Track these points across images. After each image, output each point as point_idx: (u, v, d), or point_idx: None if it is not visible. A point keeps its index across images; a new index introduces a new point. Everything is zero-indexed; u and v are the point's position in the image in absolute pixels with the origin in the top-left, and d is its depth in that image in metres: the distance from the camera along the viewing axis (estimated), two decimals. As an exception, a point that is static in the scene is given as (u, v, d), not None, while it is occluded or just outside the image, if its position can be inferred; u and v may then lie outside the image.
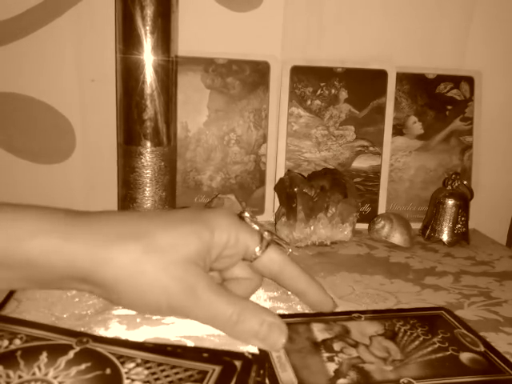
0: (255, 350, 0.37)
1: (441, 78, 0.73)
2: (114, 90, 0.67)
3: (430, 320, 0.42)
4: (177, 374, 0.28)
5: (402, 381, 0.33)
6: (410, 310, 0.45)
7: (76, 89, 0.70)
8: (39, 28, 0.67)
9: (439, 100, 0.73)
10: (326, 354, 0.36)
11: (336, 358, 0.36)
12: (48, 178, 0.73)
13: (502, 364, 0.36)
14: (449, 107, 0.73)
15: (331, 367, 0.34)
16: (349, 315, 0.42)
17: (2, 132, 0.71)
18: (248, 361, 0.30)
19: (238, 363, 0.29)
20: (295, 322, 0.40)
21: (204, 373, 0.28)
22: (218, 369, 0.28)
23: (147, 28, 0.55)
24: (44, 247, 0.31)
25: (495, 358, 0.37)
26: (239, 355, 0.30)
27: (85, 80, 0.70)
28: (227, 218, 0.37)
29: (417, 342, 0.38)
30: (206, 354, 0.30)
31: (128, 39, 0.56)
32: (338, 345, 0.37)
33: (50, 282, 0.34)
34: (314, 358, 0.35)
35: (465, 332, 0.40)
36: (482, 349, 0.38)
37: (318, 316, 0.42)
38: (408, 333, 0.39)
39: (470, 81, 0.73)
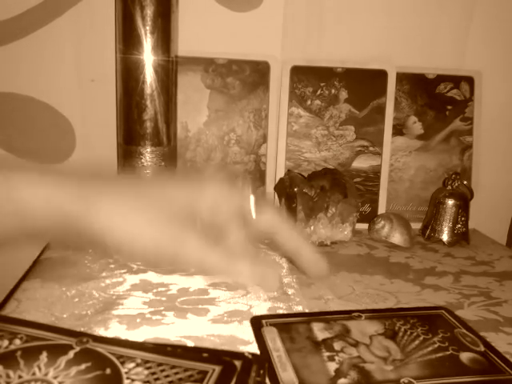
0: (255, 350, 0.37)
1: (441, 78, 0.73)
2: (114, 90, 0.67)
3: (430, 319, 0.42)
4: (177, 374, 0.28)
5: (402, 380, 0.33)
6: (410, 309, 0.45)
7: (76, 89, 0.70)
8: (39, 28, 0.67)
9: (439, 100, 0.73)
10: (326, 354, 0.36)
11: (336, 358, 0.36)
12: (48, 178, 0.73)
13: (502, 364, 0.36)
14: (449, 107, 0.73)
15: (332, 367, 0.35)
16: (349, 314, 0.42)
17: (1, 132, 0.71)
18: (248, 361, 0.30)
19: (237, 363, 0.29)
20: (295, 322, 0.40)
21: (204, 373, 0.28)
22: (217, 369, 0.28)
23: (147, 28, 0.55)
24: (35, 196, 0.32)
25: (495, 358, 0.37)
26: (239, 355, 0.30)
27: (85, 80, 0.70)
28: (219, 182, 0.37)
29: (417, 342, 0.38)
30: (205, 354, 0.30)
31: (128, 39, 0.56)
32: (339, 344, 0.37)
33: (40, 229, 0.35)
34: (315, 358, 0.35)
35: (465, 332, 0.40)
36: (482, 348, 0.38)
37: (318, 315, 0.42)
38: (408, 332, 0.40)
39: (470, 81, 0.73)
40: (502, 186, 0.80)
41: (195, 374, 0.28)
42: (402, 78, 0.72)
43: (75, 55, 0.69)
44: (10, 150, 0.71)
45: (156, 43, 0.56)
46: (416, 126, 0.73)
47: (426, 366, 0.35)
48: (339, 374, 0.34)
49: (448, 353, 0.37)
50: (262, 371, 0.30)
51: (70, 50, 0.69)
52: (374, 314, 0.42)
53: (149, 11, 0.55)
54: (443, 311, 0.44)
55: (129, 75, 0.57)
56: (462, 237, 0.66)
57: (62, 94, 0.70)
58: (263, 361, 0.31)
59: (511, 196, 0.81)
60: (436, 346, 0.38)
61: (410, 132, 0.73)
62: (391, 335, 0.39)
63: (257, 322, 0.41)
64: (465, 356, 0.37)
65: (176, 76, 0.60)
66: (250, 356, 0.30)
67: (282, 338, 0.38)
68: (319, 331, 0.39)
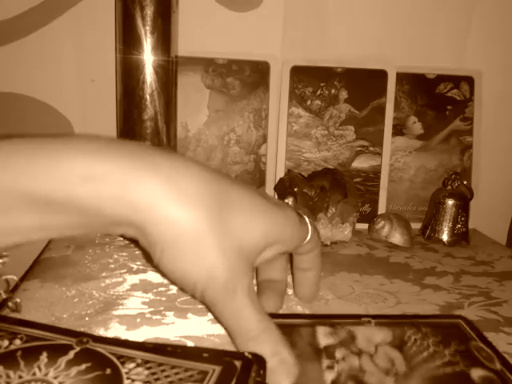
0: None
1: (441, 78, 0.73)
2: (114, 90, 0.67)
3: (445, 329, 0.39)
4: (177, 374, 0.28)
5: None
6: (424, 316, 0.42)
7: (76, 89, 0.70)
8: (39, 28, 0.67)
9: (439, 100, 0.73)
10: (326, 362, 0.35)
11: (336, 367, 0.34)
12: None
13: None
14: (449, 107, 0.73)
15: (329, 376, 0.33)
16: (358, 319, 0.40)
17: (1, 132, 0.71)
18: (248, 361, 0.30)
19: (237, 363, 0.29)
20: (299, 324, 0.39)
21: (204, 373, 0.28)
22: (218, 369, 0.28)
23: (147, 28, 0.55)
24: (98, 193, 0.28)
25: None
26: (239, 355, 0.30)
27: (85, 80, 0.70)
28: (293, 216, 0.34)
29: (425, 354, 0.36)
30: (206, 354, 0.30)
31: (128, 39, 0.56)
32: (341, 352, 0.36)
33: (98, 228, 0.31)
34: (314, 365, 0.34)
35: (481, 345, 0.37)
36: (499, 367, 0.35)
37: (324, 318, 0.40)
38: (418, 342, 0.37)
39: (470, 81, 0.73)
40: (502, 186, 0.80)
41: (195, 374, 0.28)
42: (402, 77, 0.72)
43: (75, 55, 0.69)
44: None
45: (156, 43, 0.56)
46: (416, 126, 0.73)
47: (429, 382, 0.33)
48: None
49: (458, 369, 0.34)
50: (261, 371, 0.30)
51: (70, 50, 0.69)
52: (385, 321, 0.40)
53: (149, 11, 0.55)
54: (461, 321, 0.41)
55: (129, 75, 0.57)
56: (461, 237, 0.66)
57: (62, 94, 0.70)
58: (263, 361, 0.31)
59: (511, 196, 0.81)
60: (446, 359, 0.35)
61: (410, 132, 0.73)
62: (399, 344, 0.37)
63: None
64: (477, 373, 0.34)
65: (176, 76, 0.60)
66: (249, 356, 0.30)
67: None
68: (323, 336, 0.37)
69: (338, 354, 0.35)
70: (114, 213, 0.28)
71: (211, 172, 0.31)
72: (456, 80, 0.73)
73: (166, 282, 0.50)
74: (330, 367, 0.34)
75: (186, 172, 0.29)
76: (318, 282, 0.43)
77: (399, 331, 0.38)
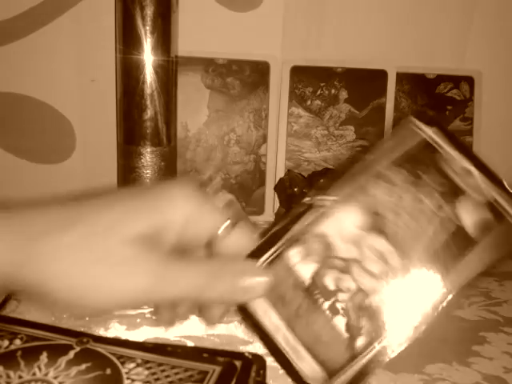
0: (255, 350, 0.37)
1: (441, 78, 0.73)
2: (114, 90, 0.67)
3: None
4: (177, 374, 0.28)
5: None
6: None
7: (76, 89, 0.70)
8: (39, 28, 0.67)
9: (439, 100, 0.73)
10: (326, 305, 0.27)
11: (338, 305, 0.27)
12: (48, 178, 0.73)
13: None
14: (449, 107, 0.73)
15: (340, 323, 0.26)
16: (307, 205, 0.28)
17: (1, 132, 0.71)
18: (248, 361, 0.30)
19: (237, 363, 0.29)
20: (272, 261, 0.29)
21: (204, 373, 0.28)
22: (218, 369, 0.28)
23: (147, 28, 0.55)
24: None
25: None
26: (239, 355, 0.30)
27: (85, 80, 0.70)
28: (184, 190, 0.29)
29: (405, 218, 0.25)
30: (206, 354, 0.30)
31: (128, 39, 0.56)
32: (330, 278, 0.27)
33: None
34: (318, 318, 0.27)
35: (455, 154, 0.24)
36: (490, 196, 0.26)
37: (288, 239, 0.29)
38: (392, 202, 0.26)
39: (470, 81, 0.73)
40: (501, 186, 0.80)
41: (195, 374, 0.28)
42: (402, 77, 0.72)
43: (75, 55, 0.69)
44: (9, 149, 0.71)
45: (156, 43, 0.56)
46: (416, 126, 0.73)
47: (428, 258, 0.25)
48: (352, 332, 0.26)
49: (452, 228, 0.24)
50: (262, 371, 0.30)
51: (70, 49, 0.69)
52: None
53: (149, 11, 0.55)
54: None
55: (129, 75, 0.57)
56: (461, 237, 0.65)
57: (61, 94, 0.70)
58: (263, 361, 0.31)
59: (511, 196, 0.81)
60: (429, 215, 0.25)
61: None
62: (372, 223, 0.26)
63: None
64: (468, 219, 0.24)
65: (176, 76, 0.60)
66: (249, 356, 0.30)
67: (273, 303, 0.28)
68: (300, 265, 0.28)
69: (329, 282, 0.27)
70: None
71: (56, 207, 0.30)
72: (456, 80, 0.73)
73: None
74: (333, 309, 0.27)
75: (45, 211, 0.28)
76: None
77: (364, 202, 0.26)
